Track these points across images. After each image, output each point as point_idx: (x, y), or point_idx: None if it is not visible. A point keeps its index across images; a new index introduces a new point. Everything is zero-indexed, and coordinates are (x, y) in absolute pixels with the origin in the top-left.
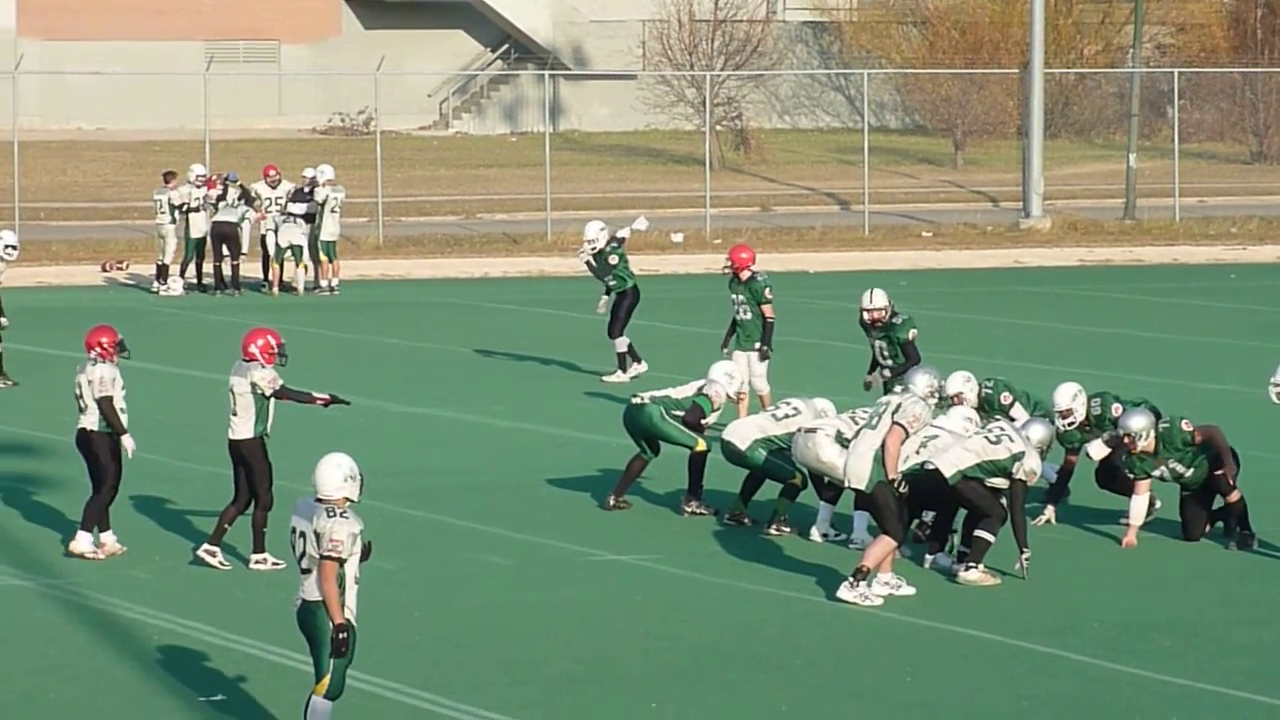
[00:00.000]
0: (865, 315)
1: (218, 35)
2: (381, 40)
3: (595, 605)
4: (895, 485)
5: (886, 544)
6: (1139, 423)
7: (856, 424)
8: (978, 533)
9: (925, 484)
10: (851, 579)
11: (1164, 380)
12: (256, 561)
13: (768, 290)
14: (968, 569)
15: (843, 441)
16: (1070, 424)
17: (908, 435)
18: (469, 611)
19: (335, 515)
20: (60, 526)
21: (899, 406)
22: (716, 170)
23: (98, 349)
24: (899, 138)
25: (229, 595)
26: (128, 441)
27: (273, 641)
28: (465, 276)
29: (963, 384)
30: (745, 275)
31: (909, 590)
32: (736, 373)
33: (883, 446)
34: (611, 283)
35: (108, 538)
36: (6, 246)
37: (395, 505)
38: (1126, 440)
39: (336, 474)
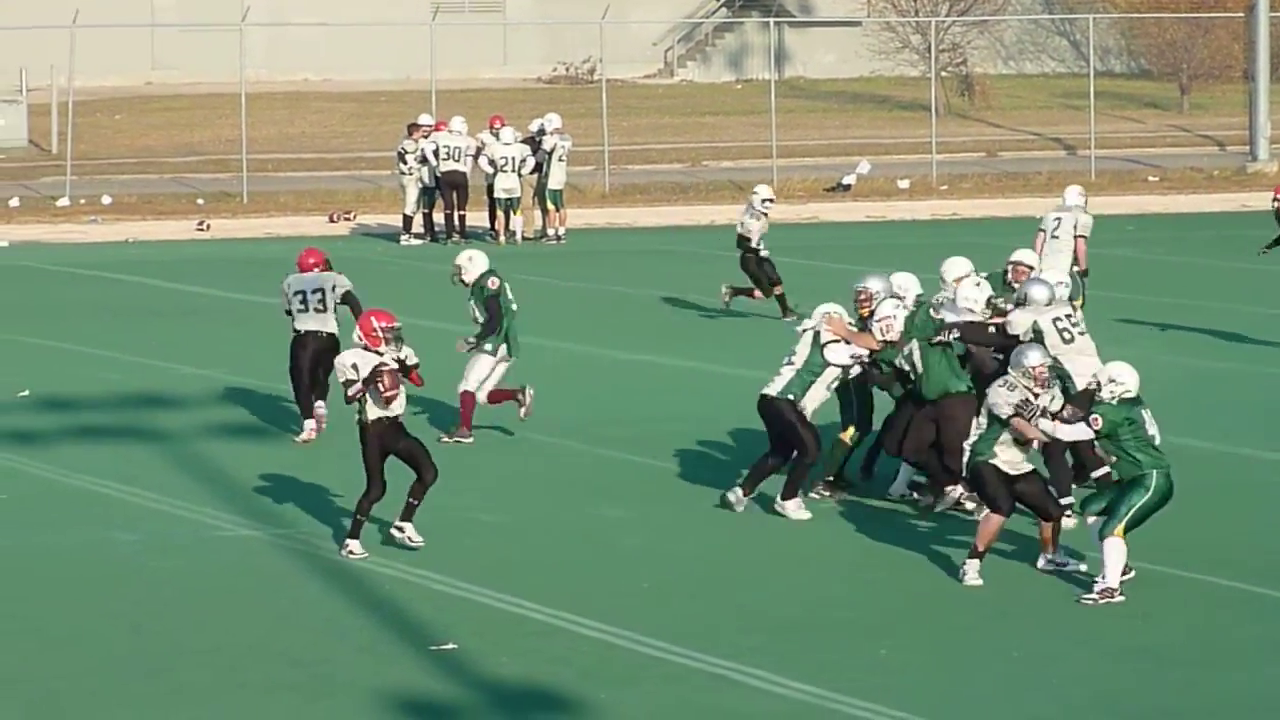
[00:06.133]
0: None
1: None
2: None
3: (817, 550)
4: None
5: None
6: None
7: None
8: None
9: None
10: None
11: None
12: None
13: None
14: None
15: None
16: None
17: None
18: (694, 558)
19: None
20: (286, 476)
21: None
22: (942, 116)
23: None
24: (1124, 82)
25: (459, 543)
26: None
27: (504, 590)
28: (691, 224)
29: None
30: None
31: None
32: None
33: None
34: None
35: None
36: None
37: (622, 452)
38: None
39: None
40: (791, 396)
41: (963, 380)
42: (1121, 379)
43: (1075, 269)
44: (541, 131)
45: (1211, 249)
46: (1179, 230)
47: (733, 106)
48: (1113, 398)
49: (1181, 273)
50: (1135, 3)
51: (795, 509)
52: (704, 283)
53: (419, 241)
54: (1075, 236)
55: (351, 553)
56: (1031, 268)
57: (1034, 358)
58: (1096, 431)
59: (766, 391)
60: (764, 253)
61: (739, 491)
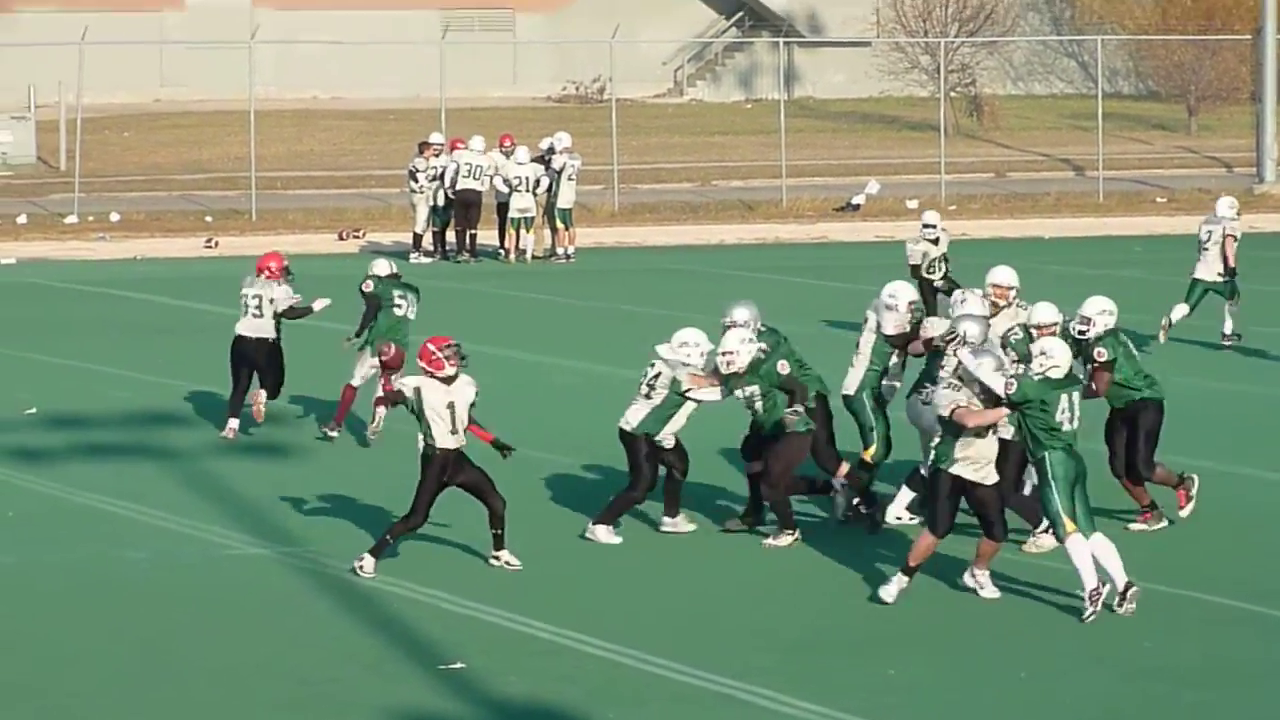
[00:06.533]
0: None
1: (453, 4)
2: (616, 8)
3: (822, 569)
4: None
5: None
6: None
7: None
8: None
9: None
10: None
11: None
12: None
13: None
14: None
15: None
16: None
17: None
18: (700, 577)
19: None
20: (294, 494)
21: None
22: (951, 137)
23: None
24: (1132, 103)
25: (467, 562)
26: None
27: (513, 609)
28: (700, 243)
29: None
30: None
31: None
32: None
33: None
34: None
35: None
36: None
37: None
38: None
39: None
40: (649, 431)
41: (803, 420)
42: (1053, 355)
43: (1221, 274)
44: (551, 150)
45: None
46: (1187, 251)
47: (742, 126)
48: (1042, 370)
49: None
50: (1143, 25)
51: (605, 534)
52: (713, 302)
53: (429, 260)
54: (1225, 236)
55: (362, 568)
56: (1013, 288)
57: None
58: (1008, 395)
59: (623, 426)
60: (934, 279)
61: (665, 519)
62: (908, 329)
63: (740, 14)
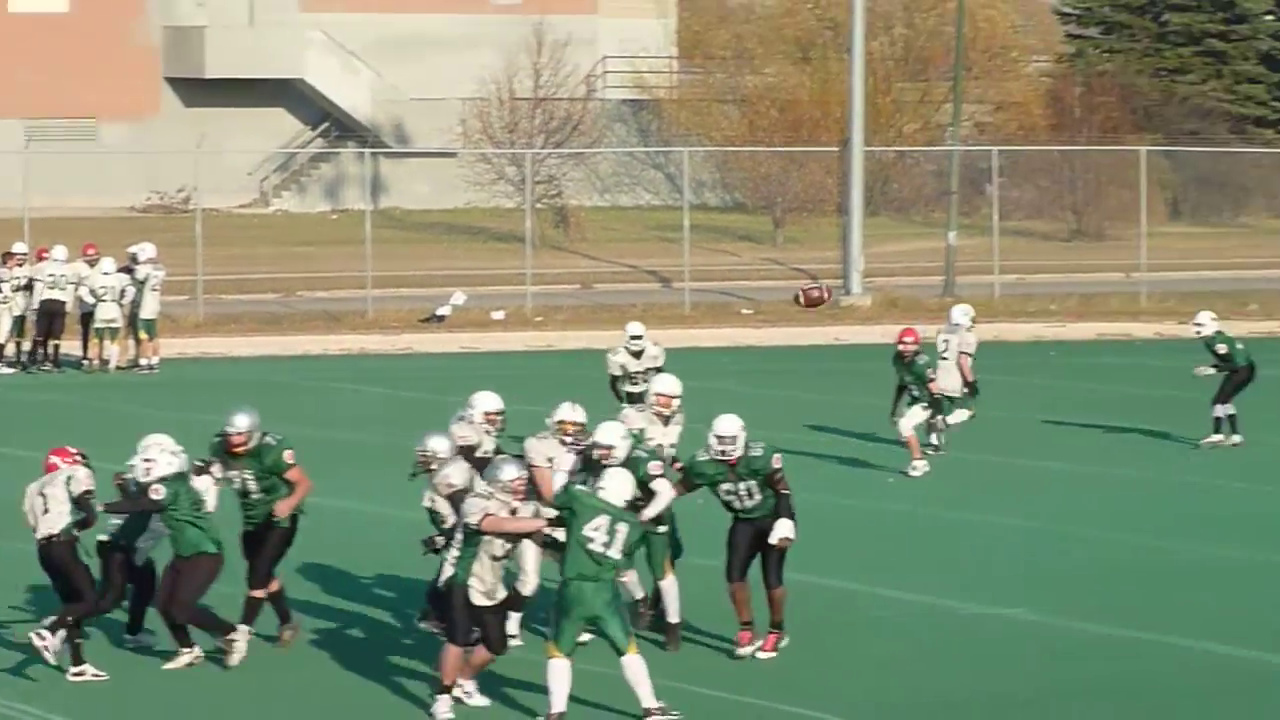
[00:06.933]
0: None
1: (36, 113)
2: (202, 118)
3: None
4: None
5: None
6: None
7: None
8: None
9: None
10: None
11: (987, 458)
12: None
13: (929, 370)
14: None
15: None
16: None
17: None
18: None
19: None
20: None
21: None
22: (537, 248)
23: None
24: (719, 215)
25: (56, 676)
26: None
27: None
28: (285, 354)
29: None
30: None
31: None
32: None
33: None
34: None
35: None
36: None
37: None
38: None
39: None
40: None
41: (213, 541)
42: (610, 481)
43: (964, 387)
44: (135, 260)
45: (804, 382)
46: (775, 363)
47: (328, 236)
48: (592, 490)
49: (774, 405)
50: (730, 136)
51: (51, 640)
52: (299, 414)
53: (10, 370)
54: (960, 354)
55: (47, 645)
56: (677, 396)
57: (510, 472)
58: (554, 496)
59: (100, 539)
60: (638, 391)
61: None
62: (476, 440)
63: (326, 124)
